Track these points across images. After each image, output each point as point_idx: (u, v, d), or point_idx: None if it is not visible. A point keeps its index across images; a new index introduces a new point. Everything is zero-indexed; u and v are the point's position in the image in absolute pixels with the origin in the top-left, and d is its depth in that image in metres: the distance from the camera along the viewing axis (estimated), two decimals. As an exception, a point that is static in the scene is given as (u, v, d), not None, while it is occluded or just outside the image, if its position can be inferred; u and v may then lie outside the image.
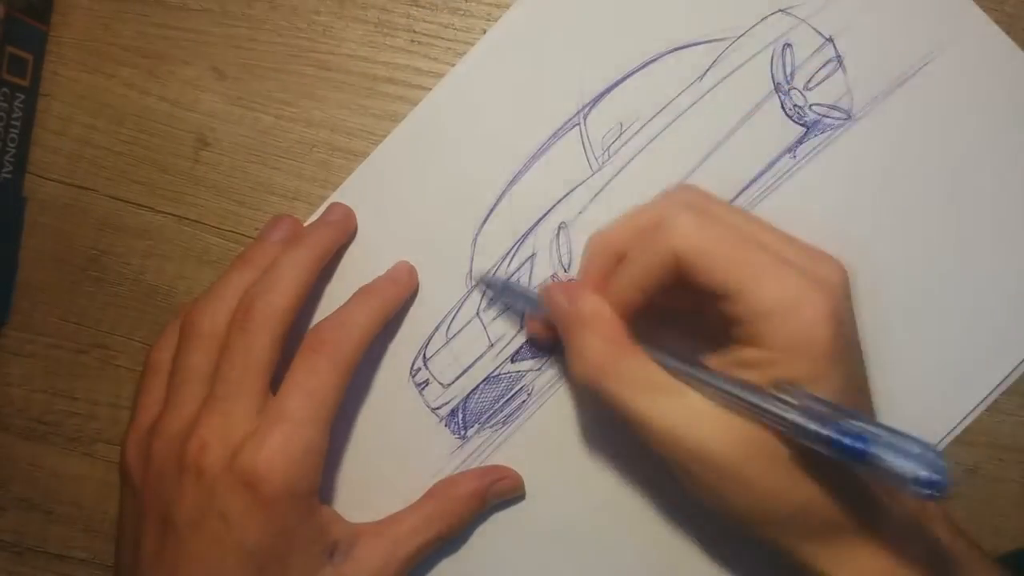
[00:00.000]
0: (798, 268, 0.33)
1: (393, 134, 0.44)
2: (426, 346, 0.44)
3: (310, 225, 0.44)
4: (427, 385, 0.44)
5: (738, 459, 0.34)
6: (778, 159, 0.42)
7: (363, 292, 0.42)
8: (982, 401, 0.42)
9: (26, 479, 0.47)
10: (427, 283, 0.44)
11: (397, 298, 0.43)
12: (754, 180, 0.42)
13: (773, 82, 0.42)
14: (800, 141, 0.42)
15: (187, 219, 0.46)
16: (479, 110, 0.44)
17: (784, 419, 0.32)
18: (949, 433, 0.42)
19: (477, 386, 0.44)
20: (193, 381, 0.39)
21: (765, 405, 0.33)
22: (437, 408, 0.44)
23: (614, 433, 0.43)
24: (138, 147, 0.46)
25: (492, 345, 0.44)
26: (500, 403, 0.44)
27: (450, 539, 0.42)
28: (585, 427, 0.43)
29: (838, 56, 0.42)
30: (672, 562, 0.43)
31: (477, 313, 0.44)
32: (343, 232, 0.43)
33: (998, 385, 0.42)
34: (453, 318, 0.44)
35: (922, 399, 0.42)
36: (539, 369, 0.44)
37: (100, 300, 0.46)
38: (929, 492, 0.27)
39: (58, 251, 0.46)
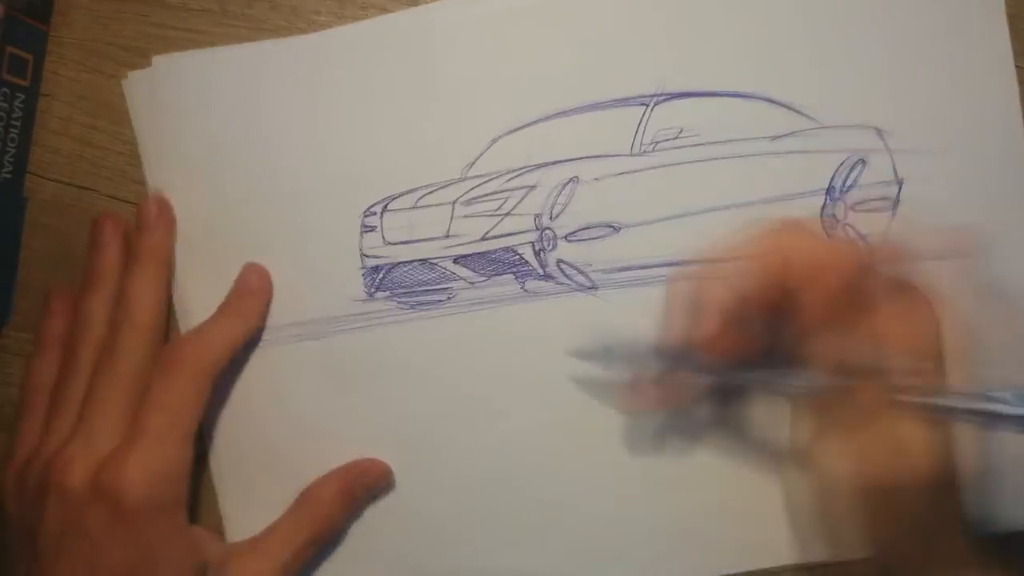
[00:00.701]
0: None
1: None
2: (392, 199, 0.44)
3: (139, 232, 0.44)
4: (371, 231, 0.44)
5: (890, 489, 0.34)
6: (786, 249, 0.42)
7: (222, 310, 0.43)
8: None
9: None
10: (428, 148, 0.44)
11: (256, 312, 0.44)
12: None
13: (829, 184, 0.42)
14: (816, 248, 0.42)
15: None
16: (572, 28, 0.43)
17: None
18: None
19: (412, 261, 0.44)
20: (70, 406, 0.41)
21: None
22: (367, 255, 0.44)
23: (501, 382, 0.44)
24: (138, 147, 0.46)
25: (447, 236, 0.44)
26: (420, 288, 0.44)
27: (325, 542, 0.43)
28: (475, 357, 0.44)
29: (897, 200, 0.42)
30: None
31: (453, 203, 0.44)
32: (170, 227, 0.44)
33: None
34: (430, 192, 0.44)
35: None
36: (472, 284, 0.44)
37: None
38: None
39: (58, 251, 0.46)
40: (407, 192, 0.44)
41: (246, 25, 0.45)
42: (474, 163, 0.44)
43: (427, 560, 0.44)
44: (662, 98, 0.43)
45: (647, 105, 0.43)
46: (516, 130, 0.43)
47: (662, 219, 0.43)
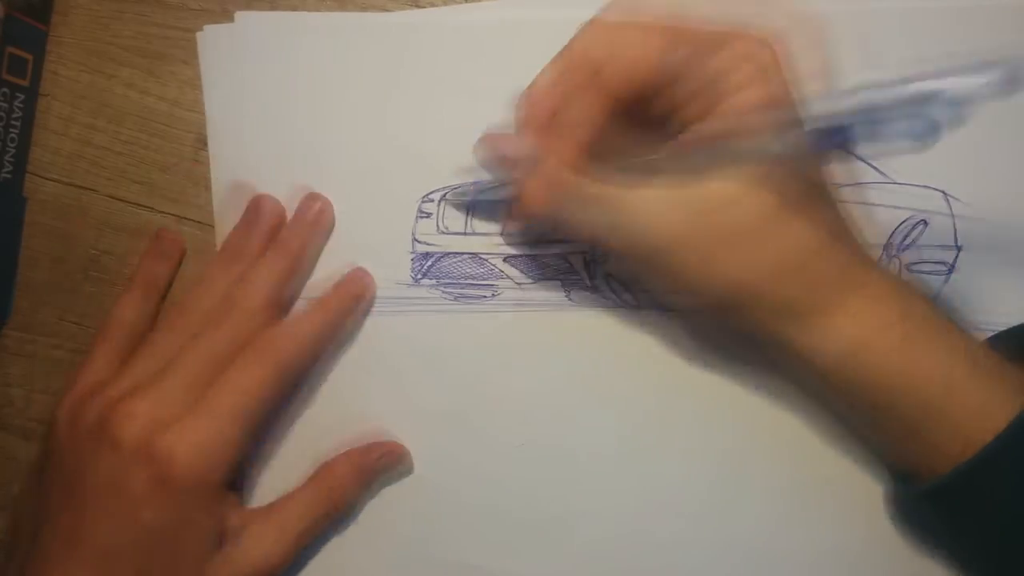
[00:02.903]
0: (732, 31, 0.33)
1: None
2: (452, 189, 0.44)
3: (290, 224, 0.44)
4: (426, 218, 0.44)
5: (707, 241, 0.34)
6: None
7: (319, 305, 0.42)
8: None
9: (26, 479, 0.46)
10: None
11: (353, 312, 0.43)
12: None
13: (888, 239, 0.42)
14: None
15: (187, 219, 0.46)
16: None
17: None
18: None
19: (462, 254, 0.44)
20: (155, 358, 0.40)
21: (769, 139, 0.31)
22: (419, 240, 0.44)
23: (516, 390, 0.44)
24: (138, 147, 0.46)
25: (501, 235, 0.44)
26: (465, 281, 0.44)
27: (339, 517, 0.43)
28: (510, 357, 0.44)
29: (952, 266, 0.42)
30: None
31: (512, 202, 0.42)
32: (322, 231, 0.44)
33: None
34: (492, 188, 0.43)
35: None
36: (519, 285, 0.44)
37: (100, 300, 0.46)
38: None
39: (58, 251, 0.46)
40: (469, 184, 0.43)
41: (247, 25, 0.45)
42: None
43: (438, 551, 0.44)
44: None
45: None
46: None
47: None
